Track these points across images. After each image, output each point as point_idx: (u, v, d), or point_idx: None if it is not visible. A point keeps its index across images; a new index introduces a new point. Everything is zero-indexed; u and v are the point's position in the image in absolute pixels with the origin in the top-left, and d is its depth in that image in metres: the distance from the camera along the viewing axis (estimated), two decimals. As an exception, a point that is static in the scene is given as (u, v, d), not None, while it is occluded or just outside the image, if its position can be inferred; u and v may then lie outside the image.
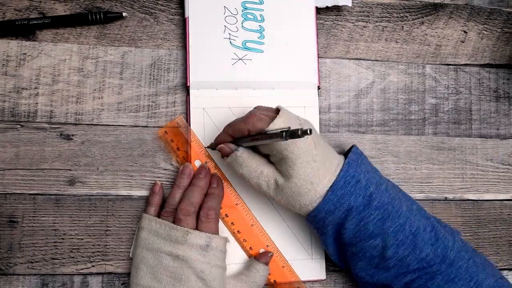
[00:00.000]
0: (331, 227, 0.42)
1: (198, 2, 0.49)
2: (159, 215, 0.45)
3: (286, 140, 0.36)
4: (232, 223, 0.47)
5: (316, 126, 0.50)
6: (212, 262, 0.42)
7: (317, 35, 0.51)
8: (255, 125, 0.40)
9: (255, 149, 0.43)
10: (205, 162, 0.47)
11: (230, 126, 0.43)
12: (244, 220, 0.48)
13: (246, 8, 0.50)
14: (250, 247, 0.47)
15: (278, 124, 0.39)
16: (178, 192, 0.45)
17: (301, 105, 0.50)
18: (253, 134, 0.41)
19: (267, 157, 0.43)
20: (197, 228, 0.43)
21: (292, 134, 0.35)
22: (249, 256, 0.47)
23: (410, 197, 0.45)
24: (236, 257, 0.47)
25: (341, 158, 0.43)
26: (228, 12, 0.49)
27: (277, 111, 0.42)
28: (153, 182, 0.47)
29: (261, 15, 0.50)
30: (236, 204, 0.48)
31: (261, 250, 0.47)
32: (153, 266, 0.42)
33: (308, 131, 0.33)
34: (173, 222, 0.43)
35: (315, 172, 0.40)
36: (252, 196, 0.48)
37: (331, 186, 0.41)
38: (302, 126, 0.41)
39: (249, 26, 0.49)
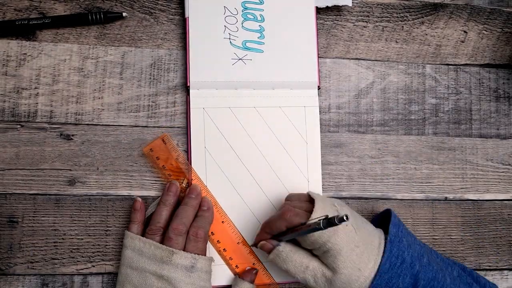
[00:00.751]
0: None
1: (198, 2, 0.49)
2: (143, 233, 0.45)
3: (324, 229, 0.36)
4: (218, 241, 0.47)
5: (316, 126, 0.50)
6: (197, 283, 0.42)
7: (317, 35, 0.51)
8: (293, 221, 0.40)
9: (297, 243, 0.43)
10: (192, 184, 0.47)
11: (267, 224, 0.43)
12: (230, 237, 0.47)
13: (246, 8, 0.50)
14: (236, 265, 0.47)
15: (316, 214, 0.39)
16: (165, 210, 0.45)
17: (301, 105, 0.50)
18: (291, 227, 0.41)
19: (309, 250, 0.42)
20: (185, 248, 0.43)
21: (330, 223, 0.35)
22: (235, 274, 0.47)
23: (448, 260, 0.46)
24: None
25: (380, 234, 0.42)
26: (228, 12, 0.49)
27: (310, 197, 0.42)
28: (153, 182, 0.47)
29: (261, 15, 0.50)
30: (223, 222, 0.47)
31: (247, 268, 0.47)
32: (137, 285, 0.42)
33: (345, 217, 0.33)
34: (161, 241, 0.43)
35: (360, 258, 0.40)
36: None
37: (377, 270, 0.40)
38: (338, 211, 0.41)
39: (249, 26, 0.49)
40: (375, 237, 0.42)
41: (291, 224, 0.40)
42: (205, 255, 0.44)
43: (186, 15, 0.49)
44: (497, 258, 0.52)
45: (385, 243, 0.41)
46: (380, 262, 0.40)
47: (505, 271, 0.52)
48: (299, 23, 0.50)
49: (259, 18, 0.50)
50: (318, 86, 0.50)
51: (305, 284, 0.42)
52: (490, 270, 0.52)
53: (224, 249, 0.47)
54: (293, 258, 0.42)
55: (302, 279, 0.42)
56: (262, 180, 0.48)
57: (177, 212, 0.44)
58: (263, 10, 0.50)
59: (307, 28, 0.50)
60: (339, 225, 0.37)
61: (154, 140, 0.47)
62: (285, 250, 0.42)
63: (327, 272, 0.41)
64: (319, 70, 0.51)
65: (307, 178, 0.49)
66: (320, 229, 0.36)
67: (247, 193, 0.48)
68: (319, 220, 0.36)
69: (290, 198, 0.45)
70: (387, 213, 0.45)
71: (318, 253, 0.41)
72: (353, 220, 0.41)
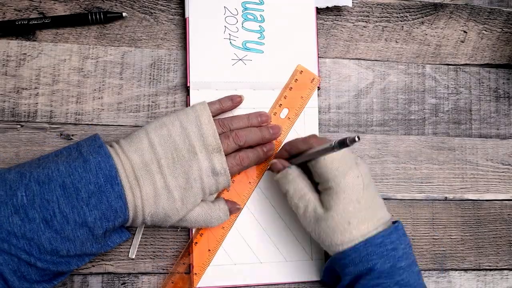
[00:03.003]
0: (348, 277, 0.41)
1: (198, 2, 0.49)
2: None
3: (335, 150, 0.36)
4: (201, 234, 0.47)
5: (316, 126, 0.50)
6: (206, 186, 0.42)
7: (317, 35, 0.51)
8: (313, 146, 0.41)
9: (308, 175, 0.43)
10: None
11: (289, 143, 0.44)
12: (215, 238, 0.47)
13: (246, 9, 0.50)
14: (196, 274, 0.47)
15: (336, 154, 0.40)
16: (243, 122, 0.45)
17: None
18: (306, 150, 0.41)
19: (315, 184, 0.43)
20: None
21: (341, 143, 0.35)
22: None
23: None
24: (241, 256, 0.47)
25: (388, 215, 0.42)
26: (228, 13, 0.49)
27: None
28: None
29: (261, 16, 0.50)
30: (223, 228, 0.47)
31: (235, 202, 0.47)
32: (172, 137, 0.41)
33: (357, 138, 0.33)
34: (219, 133, 0.43)
35: (356, 213, 0.40)
36: (253, 198, 0.48)
37: (366, 238, 0.40)
38: (358, 164, 0.41)
39: (249, 26, 0.49)
40: (381, 211, 0.42)
41: (310, 148, 0.41)
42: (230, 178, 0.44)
43: (186, 15, 0.49)
44: (497, 258, 0.52)
45: (387, 224, 0.41)
46: (374, 234, 0.40)
47: (505, 271, 0.52)
48: (299, 24, 0.50)
49: (259, 19, 0.50)
50: (318, 87, 0.50)
51: (295, 211, 0.43)
52: (490, 270, 0.52)
53: (196, 242, 0.47)
54: (297, 181, 0.42)
55: (294, 205, 0.43)
56: (262, 180, 0.48)
57: (250, 128, 0.45)
58: (263, 10, 0.50)
59: (307, 28, 0.50)
60: (349, 171, 0.38)
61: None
62: (293, 173, 0.43)
63: (319, 209, 0.41)
64: (319, 70, 0.51)
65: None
66: (333, 149, 0.36)
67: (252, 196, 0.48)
68: (332, 141, 0.37)
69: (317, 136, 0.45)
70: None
71: (321, 189, 0.42)
72: (367, 180, 0.41)
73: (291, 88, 0.49)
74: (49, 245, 0.37)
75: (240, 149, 0.44)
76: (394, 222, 0.43)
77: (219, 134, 0.43)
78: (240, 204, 0.47)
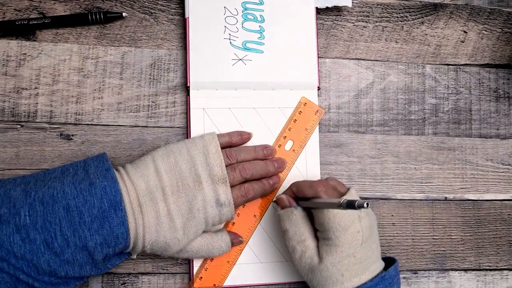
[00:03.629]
0: None
1: (198, 3, 0.49)
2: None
3: (343, 209, 0.37)
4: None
5: (316, 127, 0.50)
6: (209, 217, 0.42)
7: (317, 35, 0.51)
8: (319, 195, 0.41)
9: (310, 219, 0.43)
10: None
11: (296, 185, 0.44)
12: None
13: (246, 9, 0.50)
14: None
15: (350, 195, 0.41)
16: (251, 155, 0.45)
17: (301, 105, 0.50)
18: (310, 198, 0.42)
19: (314, 231, 0.43)
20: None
21: (350, 204, 0.36)
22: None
23: None
24: (241, 256, 0.47)
25: (381, 265, 0.43)
26: (228, 13, 0.49)
27: (347, 190, 0.43)
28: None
29: (261, 16, 0.50)
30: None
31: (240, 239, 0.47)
32: (178, 165, 0.41)
33: (365, 205, 0.34)
34: (226, 165, 0.43)
35: (351, 266, 0.40)
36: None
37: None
38: (360, 218, 0.41)
39: (249, 26, 0.49)
40: (376, 263, 0.42)
41: (316, 196, 0.41)
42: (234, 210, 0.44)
43: (186, 15, 0.49)
44: (497, 258, 0.52)
45: (378, 274, 0.41)
46: (362, 284, 0.40)
47: (505, 271, 0.52)
48: (299, 24, 0.50)
49: (259, 19, 0.50)
50: (318, 87, 0.50)
51: (291, 252, 0.43)
52: (490, 270, 0.52)
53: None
54: (298, 224, 0.42)
55: (291, 247, 0.43)
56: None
57: (256, 162, 0.45)
58: (263, 10, 0.50)
59: (307, 28, 0.50)
60: (350, 226, 0.39)
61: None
62: (298, 214, 0.43)
63: (315, 258, 0.41)
64: (319, 71, 0.51)
65: (306, 178, 0.49)
66: (339, 207, 0.36)
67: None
68: (341, 199, 0.37)
69: (331, 179, 0.45)
70: (391, 259, 0.45)
71: (320, 237, 0.42)
72: (366, 235, 0.41)
73: (296, 120, 0.49)
74: (47, 266, 0.37)
75: (245, 181, 0.45)
76: (389, 260, 0.44)
77: (226, 166, 0.43)
78: (243, 237, 0.47)
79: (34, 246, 0.36)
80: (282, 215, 0.44)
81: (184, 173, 0.41)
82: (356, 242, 0.40)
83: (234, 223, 0.47)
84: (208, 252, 0.44)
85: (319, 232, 0.42)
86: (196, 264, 0.47)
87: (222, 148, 0.44)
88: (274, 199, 0.48)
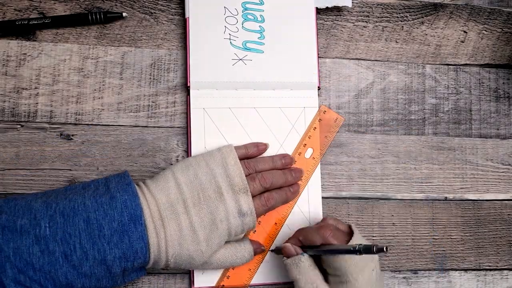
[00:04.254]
0: None
1: (198, 3, 0.49)
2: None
3: (360, 254, 0.36)
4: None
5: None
6: (232, 228, 0.42)
7: (317, 35, 0.51)
8: (328, 241, 0.41)
9: (316, 262, 0.43)
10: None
11: (301, 232, 0.43)
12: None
13: (246, 9, 0.50)
14: (228, 276, 0.47)
15: (355, 237, 0.40)
16: (269, 165, 0.46)
17: (301, 105, 0.50)
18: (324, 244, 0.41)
19: (324, 274, 0.43)
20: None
21: (367, 249, 0.35)
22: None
23: None
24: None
25: None
26: (229, 13, 0.49)
27: (349, 228, 0.43)
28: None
29: (261, 16, 0.50)
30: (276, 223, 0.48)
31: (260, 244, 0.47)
32: (198, 177, 0.42)
33: (385, 249, 0.34)
34: (245, 175, 0.43)
35: None
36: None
37: None
38: (374, 257, 0.42)
39: (249, 26, 0.49)
40: None
41: (326, 242, 0.41)
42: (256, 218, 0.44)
43: (186, 15, 0.49)
44: (497, 258, 0.52)
45: None
46: None
47: (505, 271, 0.52)
48: (299, 24, 0.50)
49: (259, 19, 0.50)
50: (318, 87, 0.50)
51: None
52: (490, 270, 0.52)
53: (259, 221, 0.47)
54: (308, 273, 0.42)
55: None
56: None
57: (275, 171, 0.45)
58: (263, 10, 0.50)
59: (307, 28, 0.50)
60: (366, 267, 0.39)
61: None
62: (306, 262, 0.42)
63: None
64: (319, 71, 0.51)
65: (306, 179, 0.49)
66: (356, 252, 0.36)
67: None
68: (356, 244, 0.37)
69: (328, 219, 0.45)
70: None
71: (333, 280, 0.42)
72: (379, 269, 0.42)
73: (315, 128, 0.49)
74: (64, 279, 0.36)
75: (265, 190, 0.45)
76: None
77: (245, 176, 0.43)
78: (265, 246, 0.47)
79: (52, 258, 0.36)
80: (289, 264, 0.43)
81: (204, 185, 0.41)
82: (372, 280, 0.41)
83: (255, 231, 0.47)
84: (231, 262, 0.44)
85: (332, 276, 0.42)
86: (216, 273, 0.47)
87: (240, 160, 0.44)
88: (273, 248, 0.47)
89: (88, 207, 0.38)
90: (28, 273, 0.36)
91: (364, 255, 0.39)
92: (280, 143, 0.49)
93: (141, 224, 0.38)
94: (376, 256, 0.42)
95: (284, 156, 0.48)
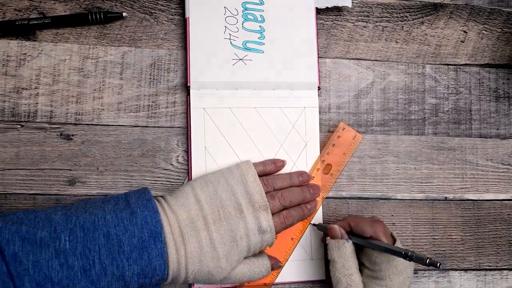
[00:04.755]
0: None
1: (198, 3, 0.49)
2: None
3: (410, 261, 0.39)
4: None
5: (315, 127, 0.50)
6: (252, 245, 0.42)
7: (317, 35, 0.51)
8: (378, 236, 0.42)
9: (356, 251, 0.44)
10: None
11: (354, 220, 0.44)
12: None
13: (246, 9, 0.50)
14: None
15: (397, 245, 0.42)
16: (286, 182, 0.46)
17: (301, 105, 0.50)
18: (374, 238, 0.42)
19: (360, 264, 0.44)
20: None
21: (419, 259, 0.38)
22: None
23: None
24: None
25: None
26: (229, 13, 0.49)
27: (393, 238, 0.44)
28: (153, 182, 0.47)
29: (261, 16, 0.50)
30: (292, 238, 0.49)
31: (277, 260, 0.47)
32: (218, 194, 0.42)
33: (438, 265, 0.36)
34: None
35: None
36: None
37: None
38: (410, 264, 0.43)
39: (249, 26, 0.49)
40: None
41: (376, 237, 0.42)
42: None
43: (187, 15, 0.49)
44: (497, 258, 0.52)
45: None
46: None
47: (505, 271, 0.52)
48: (299, 24, 0.50)
49: (259, 19, 0.50)
50: (318, 87, 0.50)
51: (334, 282, 0.43)
52: (490, 270, 0.52)
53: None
54: (347, 258, 0.43)
55: (336, 277, 0.43)
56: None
57: (293, 189, 0.46)
58: (264, 10, 0.50)
59: (307, 28, 0.50)
60: (404, 272, 0.42)
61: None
62: (349, 249, 0.43)
63: None
64: (319, 71, 0.51)
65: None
66: (406, 257, 0.39)
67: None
68: (408, 250, 0.39)
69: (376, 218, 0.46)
70: None
71: (369, 274, 0.43)
72: (412, 279, 0.44)
73: (334, 144, 0.49)
74: None
75: (283, 208, 0.45)
76: None
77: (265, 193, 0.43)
78: (282, 261, 0.47)
79: (71, 272, 0.36)
80: (332, 244, 0.44)
81: (224, 202, 0.41)
82: (406, 285, 0.42)
83: (271, 246, 0.47)
84: (249, 277, 0.44)
85: (367, 269, 0.43)
86: None
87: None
88: (313, 222, 0.48)
89: (109, 221, 0.38)
90: (46, 287, 0.35)
91: (406, 261, 0.41)
92: (280, 143, 0.49)
93: (161, 241, 0.38)
94: (411, 266, 0.43)
95: (302, 173, 0.48)
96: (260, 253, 0.46)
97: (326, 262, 0.48)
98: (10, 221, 0.37)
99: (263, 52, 0.49)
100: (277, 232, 0.44)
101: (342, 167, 0.49)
